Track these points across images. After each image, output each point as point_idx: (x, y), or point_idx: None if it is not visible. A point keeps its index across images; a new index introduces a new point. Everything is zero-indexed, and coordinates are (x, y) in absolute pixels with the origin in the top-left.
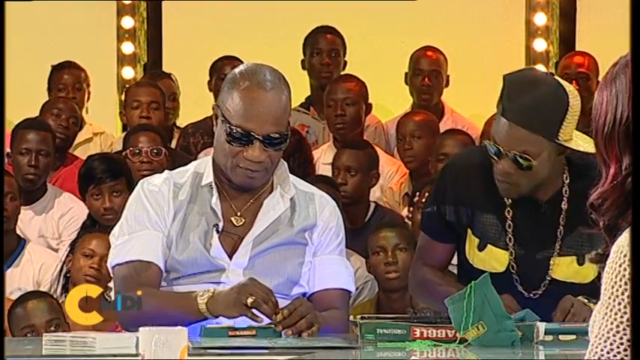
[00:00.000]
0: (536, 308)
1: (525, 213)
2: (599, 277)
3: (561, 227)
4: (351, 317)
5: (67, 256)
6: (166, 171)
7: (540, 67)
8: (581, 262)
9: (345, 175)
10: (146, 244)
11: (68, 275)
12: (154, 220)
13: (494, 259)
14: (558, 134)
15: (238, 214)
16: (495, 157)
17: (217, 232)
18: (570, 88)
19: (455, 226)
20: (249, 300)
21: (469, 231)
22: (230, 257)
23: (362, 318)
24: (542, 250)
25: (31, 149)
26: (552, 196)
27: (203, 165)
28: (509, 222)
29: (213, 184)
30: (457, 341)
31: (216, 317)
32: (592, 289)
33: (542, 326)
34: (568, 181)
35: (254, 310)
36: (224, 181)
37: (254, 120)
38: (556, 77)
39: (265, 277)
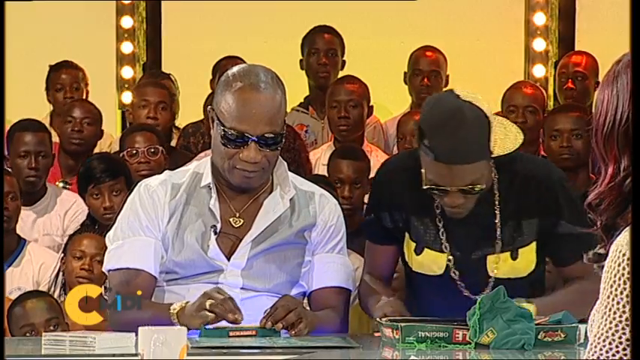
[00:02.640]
0: None
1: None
2: (537, 268)
3: (493, 224)
4: (382, 320)
5: (62, 258)
6: (166, 171)
7: (539, 67)
8: (514, 257)
9: (351, 188)
10: (137, 252)
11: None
12: (146, 226)
13: (432, 262)
14: (490, 150)
15: (237, 215)
16: (441, 195)
17: (215, 233)
18: (482, 104)
19: (393, 231)
20: (208, 302)
21: (406, 235)
22: (228, 258)
23: (393, 321)
24: (477, 250)
25: (30, 151)
26: (482, 195)
27: (202, 165)
28: (442, 226)
29: (211, 185)
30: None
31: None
32: (533, 281)
33: (583, 328)
34: (497, 177)
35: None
36: (222, 182)
37: (248, 121)
38: (466, 99)
39: (264, 278)
